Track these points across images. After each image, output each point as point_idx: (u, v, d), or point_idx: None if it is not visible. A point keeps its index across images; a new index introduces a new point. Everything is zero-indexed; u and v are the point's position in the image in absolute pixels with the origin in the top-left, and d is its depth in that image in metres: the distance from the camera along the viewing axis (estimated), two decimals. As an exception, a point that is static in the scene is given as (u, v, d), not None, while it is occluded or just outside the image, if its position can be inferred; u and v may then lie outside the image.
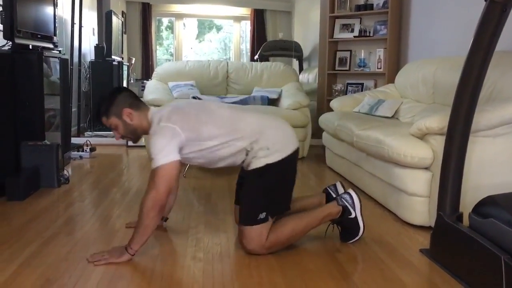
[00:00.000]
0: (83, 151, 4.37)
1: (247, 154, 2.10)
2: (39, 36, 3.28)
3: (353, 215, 2.21)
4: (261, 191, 2.11)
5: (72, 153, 4.24)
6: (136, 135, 2.19)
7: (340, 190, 2.38)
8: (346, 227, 2.25)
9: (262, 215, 2.06)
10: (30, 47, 3.19)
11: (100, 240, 2.22)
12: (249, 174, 2.13)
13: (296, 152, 2.16)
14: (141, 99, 2.27)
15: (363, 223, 2.23)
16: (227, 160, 2.14)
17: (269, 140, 2.09)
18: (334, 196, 2.35)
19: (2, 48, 3.10)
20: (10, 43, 3.05)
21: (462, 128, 2.02)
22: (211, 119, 2.10)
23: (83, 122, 5.74)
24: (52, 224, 2.44)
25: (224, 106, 2.26)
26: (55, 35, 3.58)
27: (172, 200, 2.46)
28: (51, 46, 3.50)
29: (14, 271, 1.86)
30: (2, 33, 2.94)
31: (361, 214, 2.22)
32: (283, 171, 2.14)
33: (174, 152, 1.98)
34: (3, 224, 2.43)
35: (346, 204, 2.21)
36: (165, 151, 1.96)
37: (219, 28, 9.75)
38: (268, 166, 2.07)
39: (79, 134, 5.40)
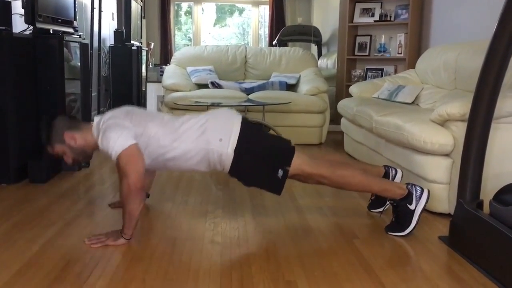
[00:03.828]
0: (103, 135, 4.42)
1: (209, 160, 2.12)
2: (59, 20, 3.30)
3: (412, 207, 2.13)
4: (254, 165, 2.14)
5: (92, 137, 4.28)
6: (86, 154, 2.22)
7: (397, 180, 2.37)
8: (399, 215, 2.18)
9: (280, 173, 2.10)
10: (51, 31, 3.22)
11: (119, 222, 2.24)
12: (234, 170, 2.14)
13: (244, 120, 2.18)
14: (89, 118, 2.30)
15: (416, 224, 2.13)
16: (181, 163, 2.15)
17: (216, 132, 2.11)
18: (390, 178, 2.37)
19: (24, 33, 3.14)
20: (31, 27, 3.08)
21: (484, 114, 1.99)
22: (154, 119, 2.15)
23: (103, 107, 5.78)
24: (73, 206, 2.49)
25: (161, 113, 2.32)
26: (75, 19, 3.60)
27: (149, 176, 2.51)
28: (71, 30, 3.52)
29: (37, 251, 1.90)
30: (23, 17, 2.97)
31: (420, 215, 2.13)
32: (250, 137, 2.15)
33: (129, 138, 1.99)
34: (26, 205, 2.49)
35: (414, 192, 2.14)
36: (120, 140, 1.96)
37: (241, 11, 9.68)
38: (237, 149, 2.09)
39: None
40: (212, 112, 2.28)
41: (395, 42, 4.85)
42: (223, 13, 9.81)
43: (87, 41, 3.80)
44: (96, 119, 2.17)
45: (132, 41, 5.82)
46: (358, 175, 2.18)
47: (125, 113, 2.14)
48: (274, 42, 7.80)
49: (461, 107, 2.29)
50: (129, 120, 2.08)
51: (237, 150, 2.09)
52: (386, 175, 2.39)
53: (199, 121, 2.16)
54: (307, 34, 7.47)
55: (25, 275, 1.70)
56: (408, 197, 2.15)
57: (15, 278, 1.68)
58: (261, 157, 2.14)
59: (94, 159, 3.59)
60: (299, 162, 2.13)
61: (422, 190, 2.16)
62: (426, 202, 2.15)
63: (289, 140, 2.27)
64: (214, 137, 2.10)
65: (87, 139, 2.14)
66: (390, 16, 4.89)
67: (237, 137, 2.10)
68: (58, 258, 1.85)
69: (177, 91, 4.64)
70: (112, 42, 5.88)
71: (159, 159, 2.14)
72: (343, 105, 3.97)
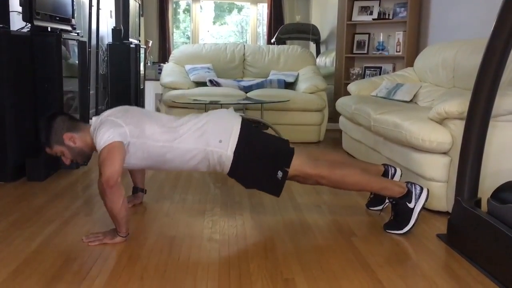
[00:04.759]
0: (101, 133, 4.41)
1: (208, 160, 2.12)
2: (57, 18, 3.29)
3: (411, 206, 2.14)
4: (254, 166, 2.14)
5: (90, 135, 4.27)
6: (84, 155, 2.20)
7: (396, 179, 2.37)
8: (398, 214, 2.18)
9: (279, 174, 2.11)
10: (49, 29, 3.21)
11: (118, 221, 2.25)
12: (233, 172, 2.15)
13: (243, 121, 2.18)
14: (77, 118, 2.31)
15: (415, 222, 2.14)
16: (181, 164, 2.15)
17: (216, 134, 2.11)
18: (389, 176, 2.37)
19: (21, 31, 3.13)
20: (29, 25, 3.07)
21: (482, 112, 1.99)
22: (152, 119, 2.14)
23: (101, 105, 5.77)
24: (71, 205, 2.49)
25: (161, 114, 2.31)
26: (73, 17, 3.59)
27: (141, 172, 2.52)
28: (69, 28, 3.52)
29: (35, 250, 1.90)
30: (21, 15, 2.96)
31: (419, 213, 2.14)
32: (250, 138, 2.15)
33: (115, 135, 1.98)
34: (24, 203, 2.49)
35: (413, 191, 2.15)
36: (105, 137, 1.96)
37: (239, 9, 9.67)
38: (236, 151, 2.09)
39: (97, 116, 5.43)
40: (212, 113, 2.27)
41: (394, 40, 4.85)
42: (221, 11, 9.80)
43: (85, 39, 3.79)
44: (94, 119, 2.16)
45: (130, 39, 5.81)
46: (357, 175, 2.18)
47: (122, 112, 2.13)
48: (272, 40, 7.79)
49: (459, 105, 2.29)
50: (124, 119, 2.07)
51: (237, 151, 2.09)
52: (385, 174, 2.39)
53: (199, 122, 2.16)
54: (306, 32, 7.46)
55: (23, 273, 1.70)
56: (408, 196, 2.15)
57: (13, 276, 1.68)
58: (260, 159, 2.14)
59: (92, 158, 3.58)
60: (298, 163, 2.13)
61: (422, 189, 2.16)
62: (425, 201, 2.15)
63: (287, 140, 2.28)
64: (214, 139, 2.10)
65: (86, 140, 2.13)
66: (389, 14, 4.89)
67: (236, 139, 2.10)
68: (56, 256, 1.85)
69: (175, 89, 4.64)
70: (110, 40, 5.87)
71: (159, 159, 2.13)
72: (342, 103, 3.97)
